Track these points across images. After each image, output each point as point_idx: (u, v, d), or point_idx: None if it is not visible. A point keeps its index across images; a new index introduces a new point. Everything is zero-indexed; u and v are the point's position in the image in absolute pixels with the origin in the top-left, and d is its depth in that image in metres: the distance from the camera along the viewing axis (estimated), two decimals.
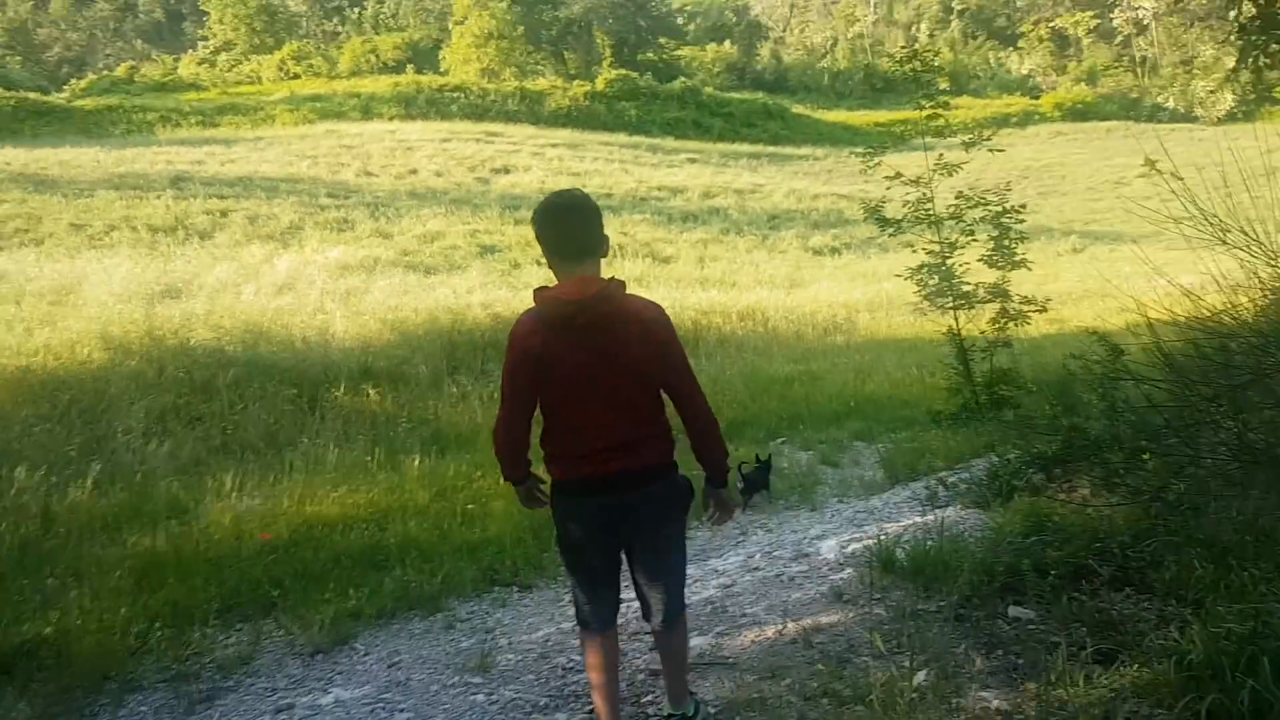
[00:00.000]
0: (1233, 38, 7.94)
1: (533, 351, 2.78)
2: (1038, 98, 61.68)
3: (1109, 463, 4.90)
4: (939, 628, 3.69)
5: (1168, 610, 3.36)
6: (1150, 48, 69.72)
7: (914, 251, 8.74)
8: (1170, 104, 58.69)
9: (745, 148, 43.75)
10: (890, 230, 8.65)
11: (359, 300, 13.20)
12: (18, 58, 65.42)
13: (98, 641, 4.33)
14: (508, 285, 16.41)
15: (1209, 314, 3.42)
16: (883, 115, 50.85)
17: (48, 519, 6.16)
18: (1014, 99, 61.24)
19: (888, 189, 8.66)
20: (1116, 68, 68.42)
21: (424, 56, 62.34)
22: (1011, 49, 75.04)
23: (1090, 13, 71.71)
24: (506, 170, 31.67)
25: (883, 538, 4.66)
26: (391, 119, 41.38)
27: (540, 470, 3.07)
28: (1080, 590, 3.65)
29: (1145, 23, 68.87)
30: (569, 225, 2.84)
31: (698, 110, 51.26)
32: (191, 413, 8.69)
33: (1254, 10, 7.09)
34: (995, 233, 8.41)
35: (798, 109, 56.63)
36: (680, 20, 74.60)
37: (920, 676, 3.28)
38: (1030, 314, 8.43)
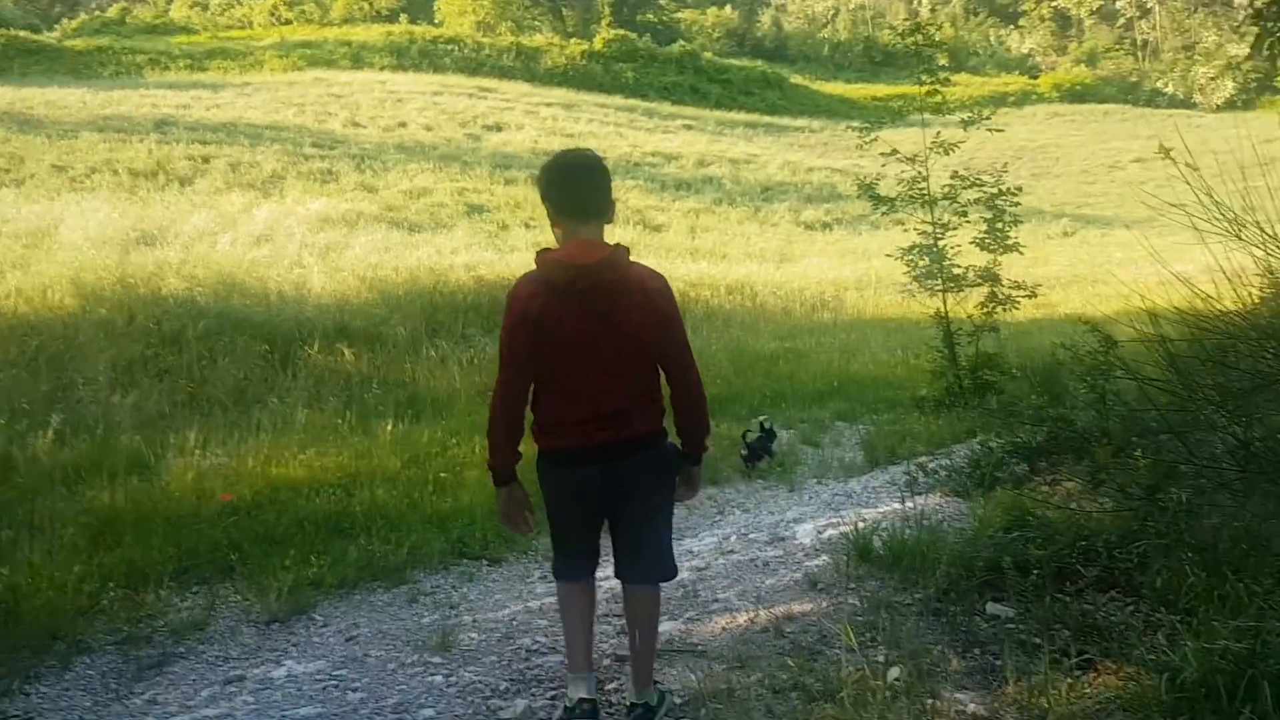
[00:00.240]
0: (1246, 24, 7.75)
1: (532, 315, 2.70)
2: (1036, 77, 61.23)
3: (1096, 458, 4.79)
4: (914, 622, 3.58)
5: (1155, 617, 3.24)
6: (1152, 31, 69.33)
7: (905, 231, 8.59)
8: (1170, 89, 58.38)
9: (741, 116, 43.30)
10: (883, 208, 8.49)
11: (338, 255, 12.94)
12: None
13: (48, 600, 4.19)
14: (494, 247, 16.16)
15: (1216, 308, 3.27)
16: (880, 89, 50.34)
17: (7, 468, 6.00)
18: (1012, 78, 60.77)
19: (883, 165, 8.48)
20: (1117, 50, 67.97)
21: (418, 6, 61.16)
22: (1012, 27, 74.42)
23: None
24: (498, 128, 31.19)
25: (860, 524, 4.54)
26: (382, 69, 40.60)
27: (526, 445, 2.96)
28: (1063, 590, 3.53)
29: (1149, 6, 68.43)
30: (579, 185, 2.79)
31: (696, 75, 50.66)
32: (159, 364, 8.49)
33: None
34: (989, 215, 8.27)
35: (796, 79, 56.06)
36: None
37: (894, 674, 3.16)
38: (1019, 299, 8.31)
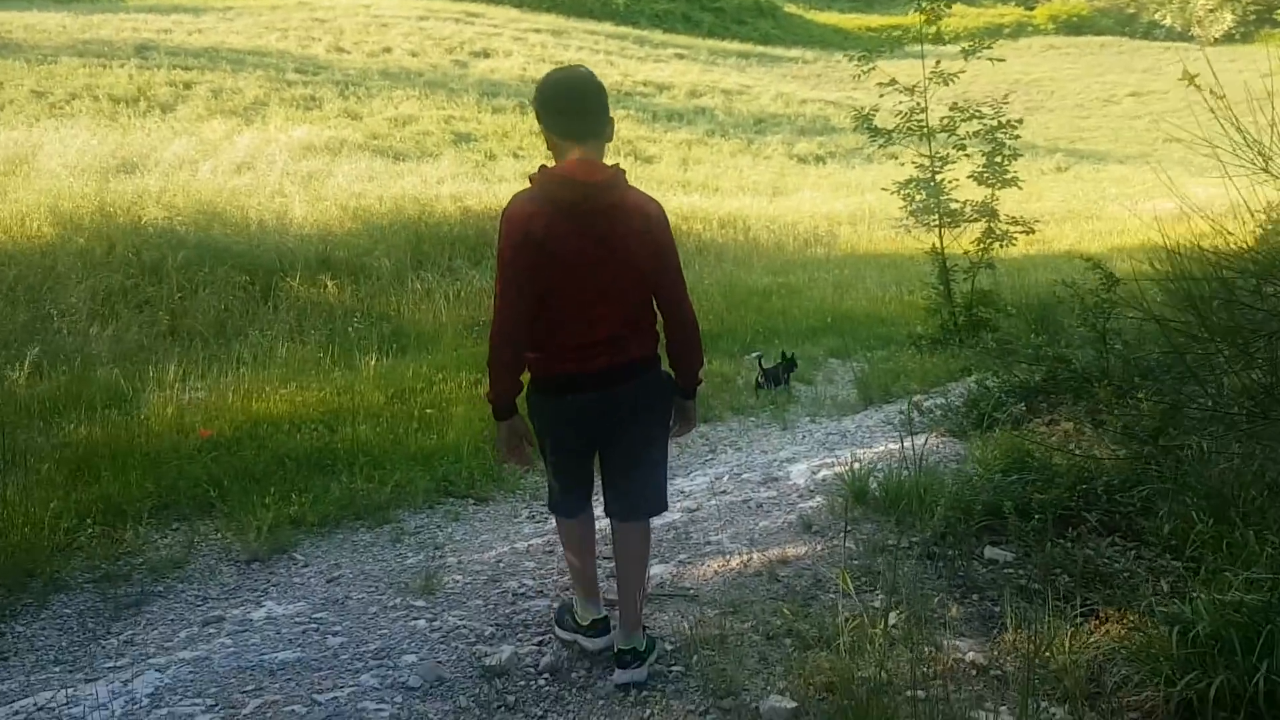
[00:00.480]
0: None
1: (535, 235, 2.56)
2: (1032, 8, 60.11)
3: (1096, 398, 4.69)
4: (911, 566, 3.49)
5: (1160, 564, 3.16)
6: None
7: (900, 165, 8.38)
8: (1167, 21, 57.40)
9: (734, 46, 42.46)
10: (880, 141, 8.25)
11: (321, 184, 12.63)
12: None
13: (24, 536, 4.07)
14: (481, 177, 15.84)
15: (1234, 244, 3.13)
16: (875, 20, 49.43)
17: None
18: (1008, 9, 59.63)
19: (881, 96, 8.24)
20: None
21: None
22: None
23: None
24: (486, 54, 30.49)
25: (855, 465, 4.44)
26: None
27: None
28: (1064, 535, 3.45)
29: None
30: (579, 104, 2.66)
31: (688, 3, 49.54)
32: (139, 296, 8.29)
33: None
34: (988, 148, 8.07)
35: (790, 8, 54.95)
36: None
37: (890, 619, 3.08)
38: (1016, 235, 8.15)
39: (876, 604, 3.21)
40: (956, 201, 8.09)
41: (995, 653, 2.88)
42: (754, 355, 7.24)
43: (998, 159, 8.01)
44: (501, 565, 3.83)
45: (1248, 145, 2.57)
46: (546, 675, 2.93)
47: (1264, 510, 2.87)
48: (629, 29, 41.60)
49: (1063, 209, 18.75)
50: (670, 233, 2.78)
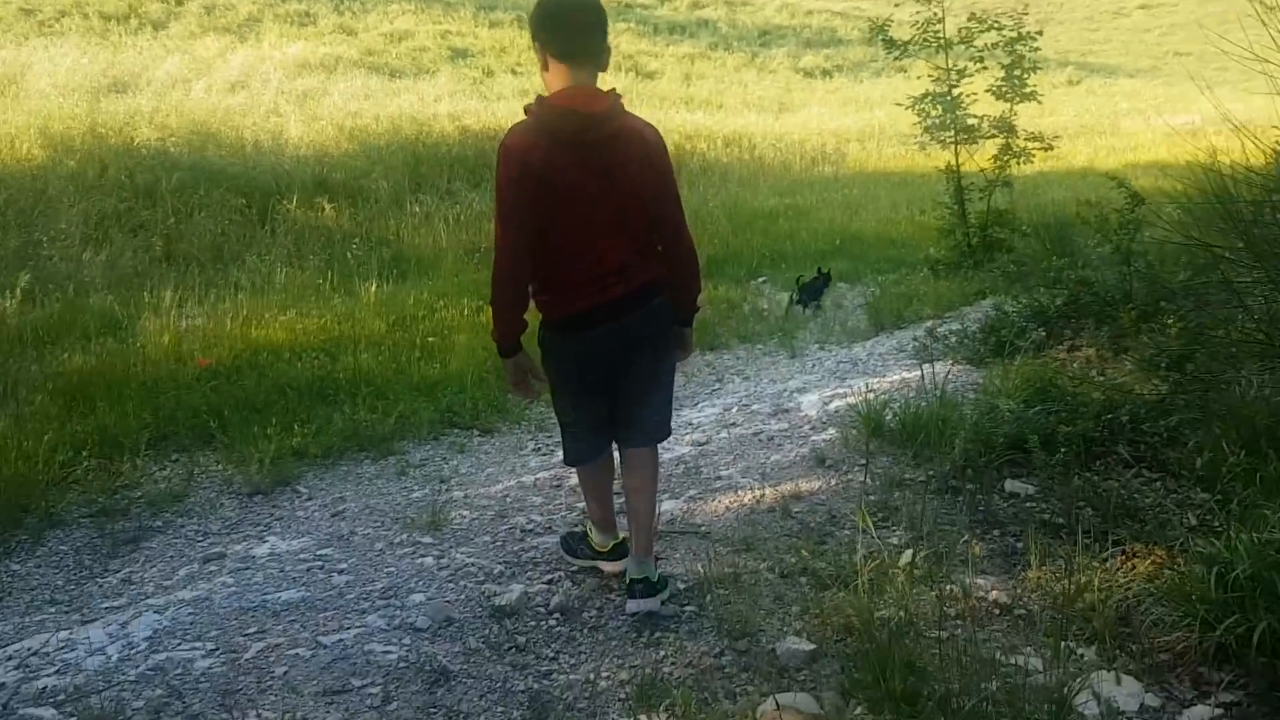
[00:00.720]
0: None
1: (534, 167, 2.47)
2: None
3: (1120, 323, 4.55)
4: (929, 501, 3.39)
5: (1190, 497, 3.05)
6: None
7: (909, 79, 8.07)
8: None
9: None
10: (895, 53, 7.92)
11: (316, 103, 12.32)
12: None
13: (17, 471, 4.00)
14: (479, 95, 15.44)
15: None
16: None
17: None
18: None
19: (896, 5, 7.89)
20: None
21: None
22: None
23: None
24: None
25: (869, 396, 4.31)
26: None
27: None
28: (1090, 468, 3.33)
29: None
30: (577, 23, 2.54)
31: None
32: (133, 220, 8.13)
33: None
34: (1006, 61, 7.76)
35: None
36: None
37: (908, 556, 2.99)
38: (1034, 152, 7.89)
39: (895, 540, 3.12)
40: (974, 117, 7.82)
41: (1019, 591, 2.79)
42: (760, 280, 7.08)
43: (1017, 72, 7.71)
44: (509, 500, 3.74)
45: None
46: (557, 615, 2.85)
47: None
48: None
49: (1075, 124, 18.30)
50: (669, 158, 2.70)
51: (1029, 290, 5.38)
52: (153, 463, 4.34)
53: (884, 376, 4.97)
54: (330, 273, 7.06)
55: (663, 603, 2.84)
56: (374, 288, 6.68)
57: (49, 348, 5.59)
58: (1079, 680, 2.29)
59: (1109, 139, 16.87)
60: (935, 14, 7.72)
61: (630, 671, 2.55)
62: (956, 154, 7.91)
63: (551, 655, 2.67)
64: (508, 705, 2.44)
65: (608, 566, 3.05)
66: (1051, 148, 7.97)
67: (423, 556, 3.25)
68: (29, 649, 2.73)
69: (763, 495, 3.55)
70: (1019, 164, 7.86)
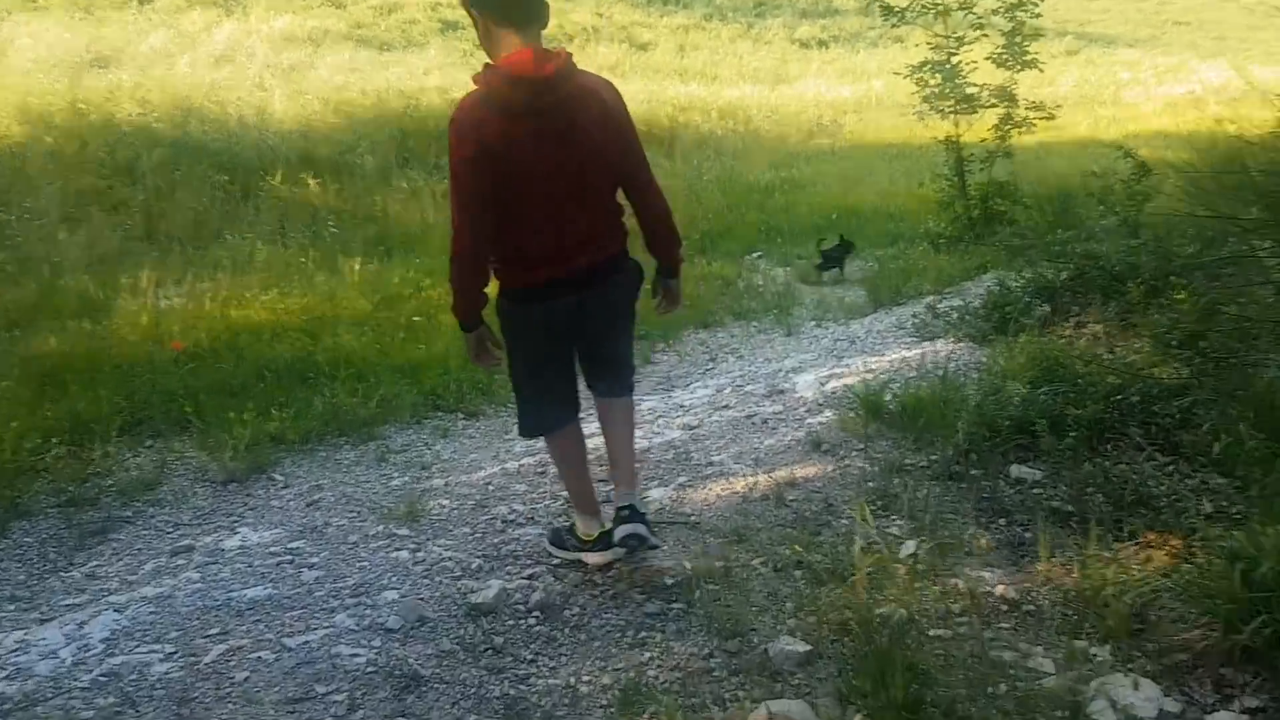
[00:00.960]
0: None
1: (491, 144, 2.35)
2: None
3: (1127, 298, 4.38)
4: (931, 488, 3.23)
5: (1206, 482, 2.89)
6: None
7: (905, 48, 7.86)
8: None
9: None
10: (893, 20, 7.70)
11: (302, 77, 12.08)
12: None
13: None
14: (470, 67, 14.98)
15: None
16: None
17: None
18: None
19: None
20: None
21: None
22: None
23: None
24: None
25: (867, 376, 4.15)
26: None
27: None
28: (1100, 452, 3.17)
29: None
30: None
31: None
32: (112, 198, 7.94)
33: None
34: (1007, 29, 7.54)
35: None
36: None
37: (909, 548, 2.84)
38: (1035, 121, 7.69)
39: (895, 531, 2.96)
40: (974, 85, 7.61)
41: (1027, 584, 2.63)
42: (755, 255, 6.91)
43: (1018, 39, 7.49)
44: (490, 488, 3.58)
45: None
46: (537, 614, 2.69)
47: None
48: None
49: (1075, 94, 18.02)
50: (628, 113, 2.57)
51: (1032, 264, 5.20)
52: (125, 449, 4.18)
53: (883, 355, 4.79)
54: (313, 250, 6.90)
55: (651, 531, 2.77)
56: (358, 266, 6.51)
57: (22, 330, 5.42)
58: (1093, 684, 2.14)
59: (1110, 108, 16.62)
60: None
61: (613, 675, 2.40)
62: (956, 124, 7.71)
63: (530, 657, 2.52)
64: (481, 713, 2.29)
65: (592, 558, 2.90)
66: (1053, 116, 7.78)
67: (398, 550, 3.09)
68: None
69: (756, 482, 3.39)
70: (1020, 134, 7.67)
